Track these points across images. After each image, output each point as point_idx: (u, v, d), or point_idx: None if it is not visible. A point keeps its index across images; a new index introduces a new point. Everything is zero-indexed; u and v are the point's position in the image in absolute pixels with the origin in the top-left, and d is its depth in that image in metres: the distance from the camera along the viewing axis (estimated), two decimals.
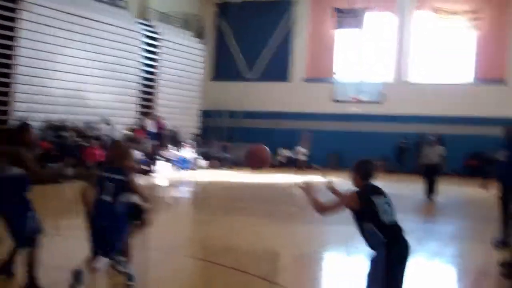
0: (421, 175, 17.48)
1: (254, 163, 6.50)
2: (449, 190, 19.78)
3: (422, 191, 17.15)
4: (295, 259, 9.63)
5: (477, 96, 27.64)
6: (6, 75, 18.96)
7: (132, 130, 23.73)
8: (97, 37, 22.42)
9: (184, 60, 27.99)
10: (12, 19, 18.97)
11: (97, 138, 20.90)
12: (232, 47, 32.24)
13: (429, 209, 16.33)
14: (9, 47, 18.98)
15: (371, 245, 5.17)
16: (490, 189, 10.32)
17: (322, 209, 5.38)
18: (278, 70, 31.23)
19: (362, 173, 5.35)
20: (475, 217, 14.38)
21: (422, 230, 10.58)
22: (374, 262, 5.16)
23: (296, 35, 31.37)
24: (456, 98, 27.75)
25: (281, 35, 31.49)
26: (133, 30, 24.78)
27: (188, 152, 25.87)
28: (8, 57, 19.00)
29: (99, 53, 22.50)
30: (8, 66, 18.99)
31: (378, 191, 5.29)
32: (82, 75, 21.75)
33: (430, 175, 17.06)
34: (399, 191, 18.88)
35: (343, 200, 5.34)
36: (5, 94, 18.92)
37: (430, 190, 17.03)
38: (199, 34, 30.81)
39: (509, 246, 9.70)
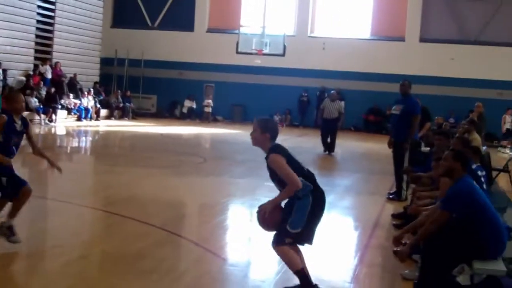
0: (321, 130, 17.70)
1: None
2: (347, 144, 20.31)
3: (322, 145, 17.47)
4: (196, 210, 9.63)
5: (376, 52, 28.28)
6: None
7: (28, 76, 22.66)
8: None
9: (83, 4, 26.78)
10: None
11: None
12: None
13: (327, 162, 16.69)
14: None
15: (297, 195, 5.14)
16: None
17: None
18: (182, 20, 30.63)
19: (273, 133, 5.28)
20: (371, 171, 14.82)
21: (319, 183, 11.02)
22: (297, 208, 5.14)
23: None
24: (356, 53, 28.27)
25: None
26: None
27: (87, 101, 25.09)
28: None
29: None
30: None
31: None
32: None
33: (329, 129, 17.32)
34: (300, 144, 19.26)
35: (289, 175, 5.13)
36: None
37: (329, 144, 17.35)
38: None
39: (401, 199, 10.12)
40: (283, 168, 5.11)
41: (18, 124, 6.29)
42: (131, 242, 6.84)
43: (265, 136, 5.23)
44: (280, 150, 5.22)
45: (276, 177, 5.21)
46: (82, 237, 7.21)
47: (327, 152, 17.36)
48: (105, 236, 7.29)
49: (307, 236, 5.21)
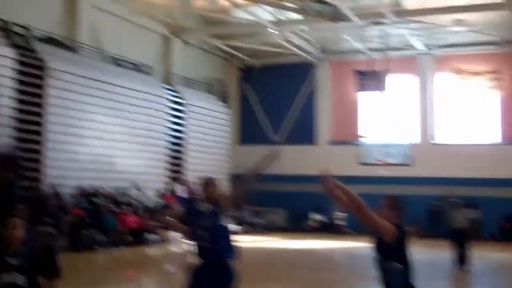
0: (450, 241, 16.32)
1: None
2: (484, 256, 19.00)
3: (451, 258, 16.09)
4: None
5: (506, 156, 27.24)
6: (37, 142, 18.98)
7: (162, 195, 23.58)
8: (124, 102, 22.58)
9: (210, 124, 28.12)
10: (39, 86, 19.14)
11: (129, 204, 20.77)
12: (257, 110, 32.43)
13: (461, 278, 15.54)
14: (38, 114, 19.09)
15: (391, 284, 4.84)
16: None
17: (357, 205, 4.98)
18: (303, 133, 31.28)
19: (398, 210, 5.12)
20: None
21: None
22: None
23: (320, 98, 31.57)
24: (486, 159, 27.36)
25: (304, 98, 31.71)
26: (159, 95, 25.00)
27: None
28: (38, 124, 19.08)
29: (126, 119, 22.60)
30: (38, 133, 19.05)
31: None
32: (110, 140, 21.78)
33: (459, 240, 15.97)
34: (431, 257, 18.31)
35: (381, 222, 4.96)
36: (37, 161, 18.90)
37: (461, 257, 15.92)
38: (224, 99, 31.07)
39: None
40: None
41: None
42: None
43: (390, 211, 5.19)
44: (400, 227, 5.05)
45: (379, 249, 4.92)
46: None
47: (459, 265, 16.06)
48: None
49: None
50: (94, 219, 18.78)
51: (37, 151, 18.96)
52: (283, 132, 31.89)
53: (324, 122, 31.34)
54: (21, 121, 18.47)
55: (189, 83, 28.30)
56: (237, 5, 25.84)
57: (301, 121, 31.56)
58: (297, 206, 29.75)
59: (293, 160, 30.42)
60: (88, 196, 19.80)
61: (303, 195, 29.63)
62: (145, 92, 23.90)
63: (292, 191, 29.98)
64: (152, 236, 20.86)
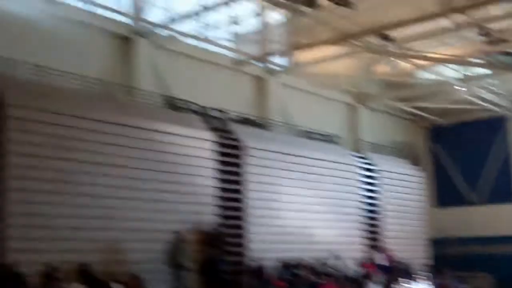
0: None
1: None
2: None
3: None
4: None
5: None
6: (239, 218, 19.77)
7: (361, 263, 23.28)
8: (317, 174, 22.84)
9: (404, 188, 27.53)
10: (238, 165, 20.08)
11: (329, 274, 20.72)
12: (450, 170, 31.37)
13: None
14: (238, 192, 19.97)
15: None
16: None
17: None
18: (502, 191, 29.64)
19: None
20: None
21: None
22: None
23: None
24: None
25: (499, 154, 30.11)
26: (349, 164, 25.06)
27: (422, 285, 24.58)
28: (239, 201, 19.92)
29: (320, 189, 22.77)
30: (239, 209, 19.87)
31: None
32: (307, 212, 22.02)
33: None
34: None
35: None
36: (240, 236, 19.64)
37: None
38: (414, 161, 30.41)
39: None
40: None
41: None
42: None
43: None
44: None
45: None
46: None
47: None
48: None
49: None
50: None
51: (239, 227, 19.71)
52: (480, 191, 30.38)
53: None
54: (223, 199, 19.41)
55: (378, 148, 28.13)
56: (420, 67, 25.59)
57: (499, 179, 29.96)
58: (504, 269, 27.79)
59: (494, 220, 28.84)
60: (290, 268, 20.04)
61: (510, 257, 27.78)
62: (336, 162, 24.09)
63: (497, 253, 28.19)
64: None
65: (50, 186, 14.51)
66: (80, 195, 15.14)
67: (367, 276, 22.39)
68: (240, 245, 19.61)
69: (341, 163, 24.36)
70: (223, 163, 19.56)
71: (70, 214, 14.84)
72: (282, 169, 21.48)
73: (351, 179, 24.78)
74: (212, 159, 19.10)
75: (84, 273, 14.43)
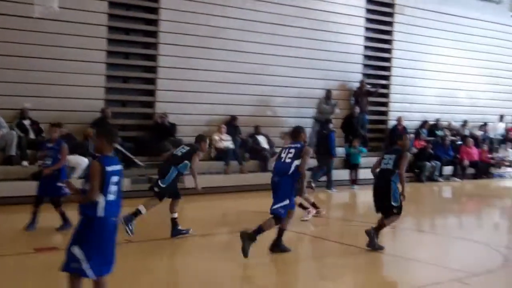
0: None
1: None
2: None
3: None
4: None
5: None
6: (386, 78, 20.20)
7: (508, 128, 23.06)
8: (471, 34, 22.26)
9: None
10: (387, 23, 20.17)
11: (472, 136, 20.90)
12: None
13: None
14: (387, 51, 20.21)
15: None
16: None
17: None
18: None
19: None
20: None
21: None
22: None
23: None
24: None
25: None
26: (508, 25, 23.99)
27: None
28: (387, 60, 20.22)
29: (473, 51, 22.27)
30: (387, 68, 20.21)
31: None
32: (454, 73, 21.83)
33: None
34: None
35: None
36: (385, 95, 20.18)
37: None
38: None
39: None
40: None
41: None
42: None
43: None
44: None
45: None
46: None
47: None
48: None
49: None
50: (437, 151, 19.40)
51: (386, 86, 20.17)
52: None
53: None
54: (370, 57, 19.85)
55: None
56: None
57: None
58: None
59: None
60: (432, 128, 20.43)
61: None
62: (492, 22, 23.16)
63: None
64: (495, 169, 20.81)
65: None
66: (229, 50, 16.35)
67: (510, 140, 22.32)
68: (384, 104, 20.22)
69: (497, 23, 23.39)
70: (373, 21, 19.74)
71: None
72: (432, 28, 21.14)
73: (506, 40, 23.83)
74: (361, 16, 19.35)
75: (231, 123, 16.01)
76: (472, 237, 9.42)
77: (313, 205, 10.62)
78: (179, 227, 9.03)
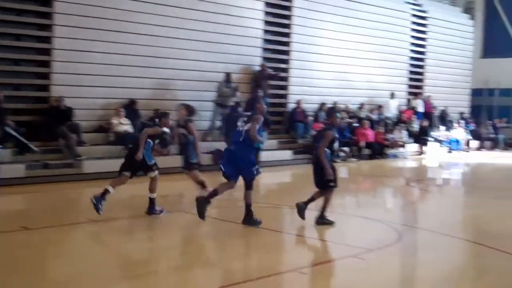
0: None
1: None
2: None
3: None
4: None
5: None
6: (285, 61, 20.48)
7: (401, 111, 24.05)
8: (365, 19, 22.92)
9: (452, 37, 27.39)
10: (287, 8, 20.41)
11: (368, 119, 21.59)
12: (504, 21, 30.63)
13: None
14: (286, 35, 20.50)
15: None
16: None
17: None
18: None
19: None
20: None
21: None
22: None
23: None
24: None
25: None
26: (401, 11, 24.92)
27: (458, 133, 25.42)
28: (285, 44, 20.50)
29: (367, 35, 22.96)
30: (286, 52, 20.50)
31: None
32: (350, 57, 22.39)
33: None
34: None
35: None
36: (285, 79, 20.47)
37: None
38: (468, 10, 29.91)
39: None
40: None
41: None
42: (509, 278, 6.96)
43: None
44: None
45: None
46: (466, 271, 7.56)
47: None
48: (486, 271, 7.34)
49: None
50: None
51: (285, 70, 20.44)
52: None
53: None
54: (270, 41, 20.03)
55: None
56: None
57: None
58: None
59: None
60: (329, 111, 20.89)
61: None
62: (387, 8, 23.98)
63: None
64: (390, 150, 21.63)
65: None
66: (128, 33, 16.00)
67: (403, 122, 23.27)
68: (283, 87, 20.49)
69: (392, 9, 24.24)
70: (272, 5, 19.92)
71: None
72: (330, 13, 21.59)
73: (400, 26, 24.74)
74: (261, 0, 19.45)
75: (130, 107, 15.72)
76: (368, 215, 9.76)
77: (202, 183, 10.71)
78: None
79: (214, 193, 8.75)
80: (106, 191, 8.93)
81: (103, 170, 12.96)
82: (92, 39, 15.25)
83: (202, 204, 8.54)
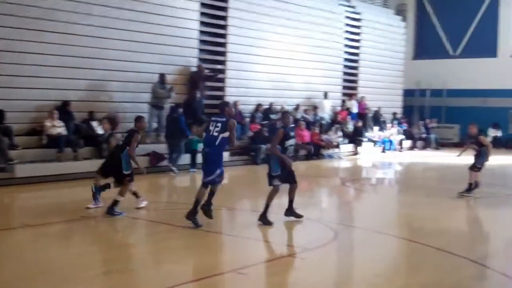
0: None
1: None
2: None
3: None
4: (509, 243, 9.35)
5: None
6: (221, 62, 20.46)
7: (336, 112, 24.43)
8: (301, 21, 23.19)
9: (385, 39, 28.02)
10: (223, 9, 20.41)
11: (304, 120, 21.80)
12: (434, 23, 31.56)
13: None
14: (222, 36, 20.49)
15: None
16: None
17: None
18: (484, 46, 29.93)
19: None
20: None
21: None
22: None
23: (504, 7, 29.80)
24: None
25: (485, 8, 30.18)
26: (335, 12, 25.33)
27: (391, 133, 26.01)
28: (222, 45, 20.48)
29: (303, 37, 23.25)
30: (222, 53, 20.49)
31: None
32: (287, 59, 22.60)
33: None
34: None
35: None
36: (222, 80, 20.44)
37: None
38: (400, 12, 30.67)
39: None
40: None
41: None
42: (446, 275, 7.07)
43: None
44: None
45: None
46: (400, 267, 7.73)
47: None
48: (420, 267, 7.48)
49: None
50: (270, 134, 19.99)
51: (222, 71, 20.40)
52: (462, 45, 30.87)
53: (507, 33, 29.70)
54: (206, 42, 19.97)
55: None
56: None
57: (482, 33, 30.19)
58: (473, 121, 28.86)
59: (472, 74, 29.50)
60: (266, 112, 21.04)
61: (480, 110, 28.66)
62: (322, 10, 24.32)
63: (468, 105, 29.16)
64: (325, 151, 21.92)
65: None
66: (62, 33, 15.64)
67: (338, 122, 23.65)
68: (220, 88, 20.47)
69: (326, 10, 24.60)
70: (208, 6, 19.85)
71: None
72: (266, 15, 21.73)
73: (334, 27, 25.13)
74: (196, 1, 19.37)
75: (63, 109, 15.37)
76: (306, 215, 9.87)
77: (135, 194, 10.49)
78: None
79: (212, 194, 9.11)
80: (115, 202, 9.42)
81: (36, 174, 12.66)
82: (26, 40, 14.83)
83: (206, 210, 9.01)
